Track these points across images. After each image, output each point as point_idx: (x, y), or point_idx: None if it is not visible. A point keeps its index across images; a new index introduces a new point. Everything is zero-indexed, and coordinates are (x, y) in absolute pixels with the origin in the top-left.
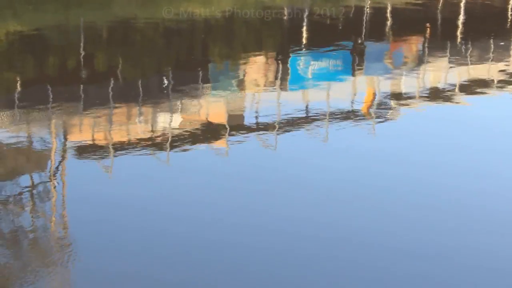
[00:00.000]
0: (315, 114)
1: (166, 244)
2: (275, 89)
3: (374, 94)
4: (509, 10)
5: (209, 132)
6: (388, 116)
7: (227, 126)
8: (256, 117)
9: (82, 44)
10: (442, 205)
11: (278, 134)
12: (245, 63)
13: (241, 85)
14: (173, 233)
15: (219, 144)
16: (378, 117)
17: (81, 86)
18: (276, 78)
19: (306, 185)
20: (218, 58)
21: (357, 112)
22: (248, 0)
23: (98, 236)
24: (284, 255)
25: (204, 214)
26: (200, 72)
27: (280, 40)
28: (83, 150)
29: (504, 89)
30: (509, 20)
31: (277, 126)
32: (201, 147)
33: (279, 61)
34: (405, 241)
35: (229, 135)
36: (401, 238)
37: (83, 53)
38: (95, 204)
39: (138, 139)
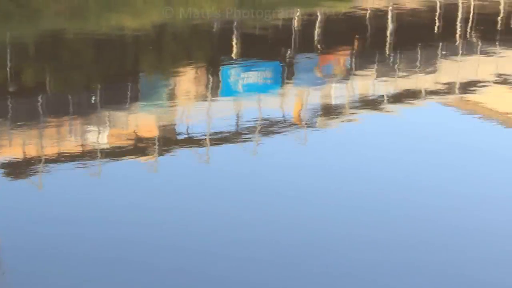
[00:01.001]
0: (246, 126)
1: (83, 262)
2: (206, 101)
3: (304, 105)
4: (436, 19)
5: (139, 145)
6: (317, 127)
7: (157, 139)
8: (187, 130)
9: (9, 58)
10: (368, 217)
11: (209, 146)
12: (176, 76)
13: (172, 97)
14: (99, 248)
15: (149, 157)
16: (308, 128)
17: (8, 101)
18: (207, 90)
19: (238, 197)
20: (149, 70)
21: (287, 122)
22: (179, 13)
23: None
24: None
25: (131, 229)
26: (131, 85)
27: (210, 53)
28: (11, 166)
29: (431, 98)
30: (436, 29)
31: (208, 138)
32: (131, 160)
33: (210, 73)
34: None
35: (160, 148)
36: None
37: (9, 67)
38: (20, 220)
39: (66, 154)
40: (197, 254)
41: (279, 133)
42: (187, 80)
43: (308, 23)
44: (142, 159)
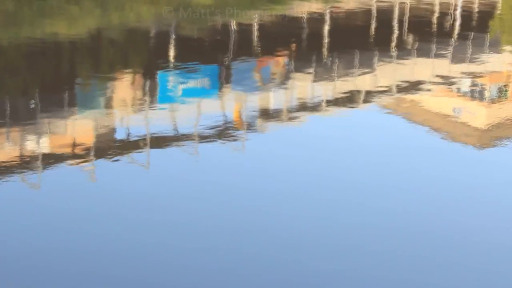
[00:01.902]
0: (185, 131)
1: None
2: (144, 107)
3: (242, 110)
4: (373, 21)
5: (77, 152)
6: (256, 131)
7: (95, 146)
8: (126, 136)
9: None
10: (312, 218)
11: (149, 151)
12: (113, 82)
13: (109, 104)
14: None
15: (87, 164)
16: (247, 132)
17: None
18: (144, 96)
19: (179, 204)
20: (85, 78)
21: (226, 127)
22: (113, 20)
23: None
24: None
25: (70, 239)
26: (67, 92)
27: (148, 58)
28: None
29: (370, 101)
30: (373, 31)
31: (148, 144)
32: (70, 168)
33: (148, 79)
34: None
35: (98, 155)
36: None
37: None
38: None
39: (4, 162)
40: (138, 260)
41: (219, 136)
42: (125, 86)
43: (245, 27)
44: (80, 165)
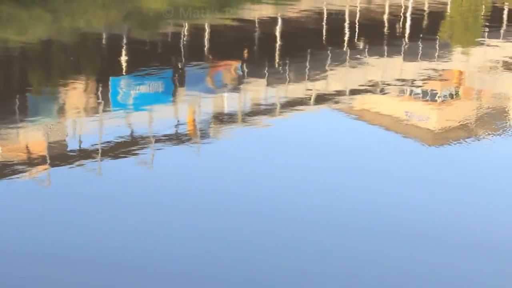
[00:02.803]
0: (139, 138)
1: None
2: (97, 115)
3: (196, 116)
4: (324, 26)
5: (30, 161)
6: (210, 137)
7: (48, 155)
8: (79, 144)
9: None
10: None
11: (102, 160)
12: (65, 90)
13: (61, 112)
14: None
15: (40, 173)
16: (201, 138)
17: None
18: (97, 102)
19: (134, 211)
20: (37, 85)
21: (180, 132)
22: (65, 27)
23: None
24: None
25: (17, 248)
26: (18, 101)
27: (100, 65)
28: None
29: (323, 104)
30: (324, 35)
31: (100, 152)
32: (22, 176)
33: (101, 86)
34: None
35: (50, 163)
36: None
37: None
38: None
39: None
40: (93, 266)
41: (173, 143)
42: (77, 93)
43: (197, 33)
44: (33, 174)
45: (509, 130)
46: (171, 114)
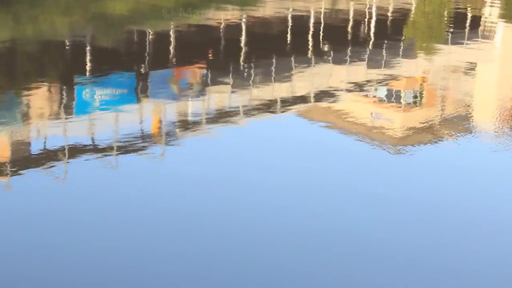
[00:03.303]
0: (103, 142)
1: None
2: (60, 119)
3: (161, 120)
4: (289, 29)
5: None
6: (176, 141)
7: (11, 159)
8: (43, 149)
9: None
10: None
11: (67, 164)
12: (28, 94)
13: (24, 117)
14: None
15: (2, 178)
16: (166, 143)
17: None
18: (60, 108)
19: (98, 217)
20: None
21: (144, 138)
22: (27, 31)
23: None
24: None
25: None
26: None
27: (64, 69)
28: None
29: (287, 109)
30: (289, 40)
31: (65, 156)
32: None
33: (64, 91)
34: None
35: (13, 168)
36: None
37: None
38: None
39: None
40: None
41: (138, 148)
42: (40, 98)
43: (162, 37)
44: None
45: (472, 131)
46: (135, 119)
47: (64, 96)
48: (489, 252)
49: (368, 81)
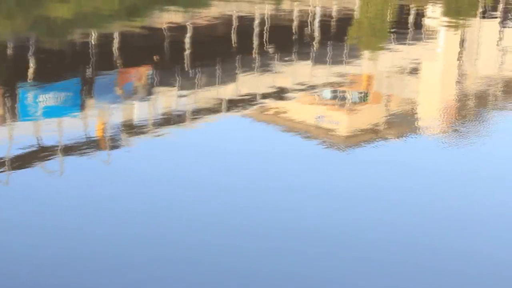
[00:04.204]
0: (48, 149)
1: None
2: (5, 125)
3: (106, 125)
4: (233, 32)
5: None
6: (123, 145)
7: None
8: None
9: None
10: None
11: (11, 170)
12: None
13: None
14: None
15: None
16: (111, 147)
17: None
18: (3, 114)
19: (43, 224)
20: None
21: (90, 143)
22: None
23: None
24: None
25: None
26: None
27: (5, 75)
28: None
29: (234, 111)
30: (234, 42)
31: (7, 163)
32: None
33: (6, 97)
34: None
35: None
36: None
37: None
38: None
39: None
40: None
41: (83, 153)
42: None
43: (106, 41)
44: None
45: (416, 131)
46: (80, 123)
47: (6, 101)
48: (440, 247)
49: (314, 81)
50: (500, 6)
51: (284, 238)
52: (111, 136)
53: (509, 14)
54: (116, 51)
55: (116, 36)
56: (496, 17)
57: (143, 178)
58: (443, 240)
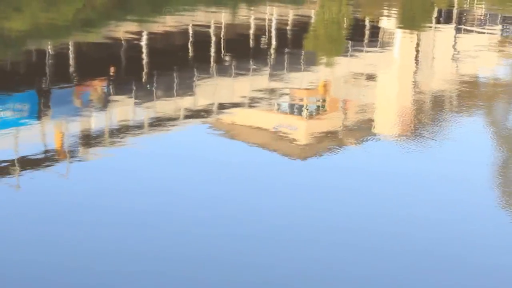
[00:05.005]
0: (4, 162)
1: None
2: None
3: (64, 137)
4: (190, 42)
5: None
6: (80, 158)
7: None
8: None
9: None
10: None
11: None
12: None
13: None
14: None
15: None
16: (70, 160)
17: None
18: None
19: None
20: None
21: (48, 155)
22: None
23: None
24: None
25: None
26: None
27: None
28: None
29: (191, 122)
30: (191, 52)
31: None
32: None
33: None
34: None
35: None
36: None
37: None
38: None
39: None
40: None
41: (41, 166)
42: None
43: (62, 53)
44: None
45: (374, 138)
46: (37, 136)
47: None
48: (404, 249)
49: (271, 90)
50: (455, 13)
51: (241, 242)
52: (68, 147)
53: (483, 21)
54: (72, 62)
55: (71, 47)
56: (451, 23)
57: (100, 189)
58: (407, 243)
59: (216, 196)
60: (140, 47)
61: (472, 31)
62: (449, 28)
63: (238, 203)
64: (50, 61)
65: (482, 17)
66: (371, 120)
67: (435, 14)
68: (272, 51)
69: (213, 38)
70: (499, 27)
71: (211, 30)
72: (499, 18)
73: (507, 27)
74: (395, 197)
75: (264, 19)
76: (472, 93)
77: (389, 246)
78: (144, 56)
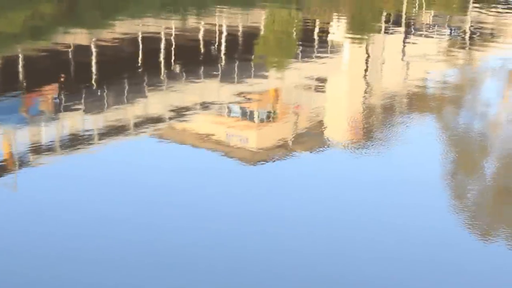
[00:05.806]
0: None
1: None
2: None
3: (12, 147)
4: (141, 51)
5: None
6: (29, 167)
7: None
8: None
9: None
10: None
11: None
12: None
13: None
14: None
15: None
16: (18, 169)
17: None
18: None
19: None
20: None
21: None
22: None
23: None
24: None
25: None
26: None
27: None
28: None
29: (143, 131)
30: (140, 61)
31: None
32: None
33: None
34: None
35: None
36: None
37: None
38: None
39: None
40: None
41: None
42: None
43: (9, 62)
44: None
45: (325, 145)
46: None
47: None
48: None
49: (222, 99)
50: (403, 19)
51: (196, 254)
52: (17, 158)
53: (452, 30)
54: (20, 72)
55: (20, 57)
56: (400, 30)
57: (49, 201)
58: (368, 249)
59: (165, 204)
60: (89, 56)
61: (421, 35)
62: (399, 35)
63: (188, 212)
64: None
65: (430, 22)
66: (321, 127)
67: (384, 19)
68: (221, 59)
69: (163, 47)
70: (447, 30)
71: (161, 39)
72: (447, 22)
73: (454, 30)
74: (346, 202)
75: (214, 28)
76: (422, 96)
77: (350, 251)
78: (93, 65)
